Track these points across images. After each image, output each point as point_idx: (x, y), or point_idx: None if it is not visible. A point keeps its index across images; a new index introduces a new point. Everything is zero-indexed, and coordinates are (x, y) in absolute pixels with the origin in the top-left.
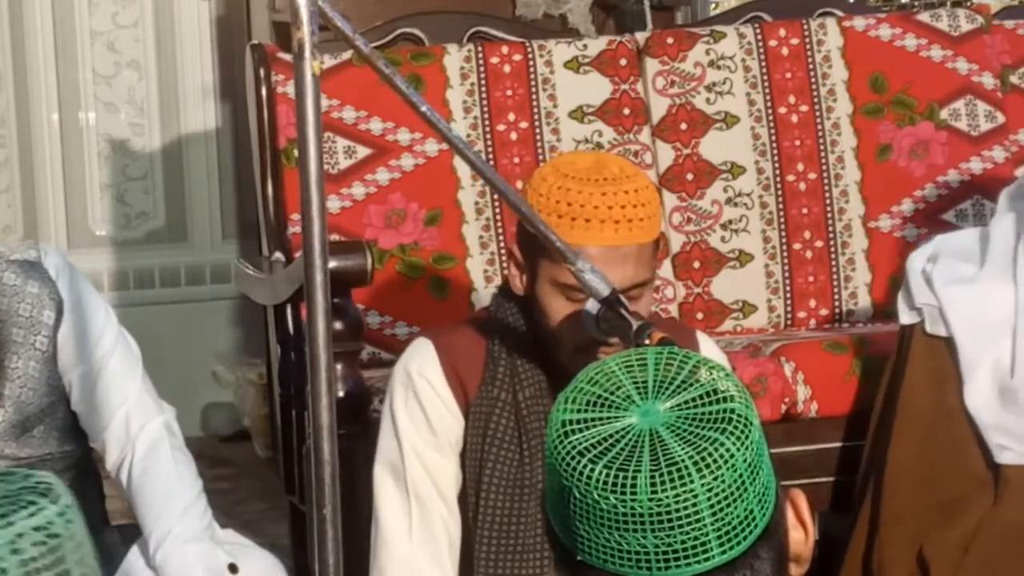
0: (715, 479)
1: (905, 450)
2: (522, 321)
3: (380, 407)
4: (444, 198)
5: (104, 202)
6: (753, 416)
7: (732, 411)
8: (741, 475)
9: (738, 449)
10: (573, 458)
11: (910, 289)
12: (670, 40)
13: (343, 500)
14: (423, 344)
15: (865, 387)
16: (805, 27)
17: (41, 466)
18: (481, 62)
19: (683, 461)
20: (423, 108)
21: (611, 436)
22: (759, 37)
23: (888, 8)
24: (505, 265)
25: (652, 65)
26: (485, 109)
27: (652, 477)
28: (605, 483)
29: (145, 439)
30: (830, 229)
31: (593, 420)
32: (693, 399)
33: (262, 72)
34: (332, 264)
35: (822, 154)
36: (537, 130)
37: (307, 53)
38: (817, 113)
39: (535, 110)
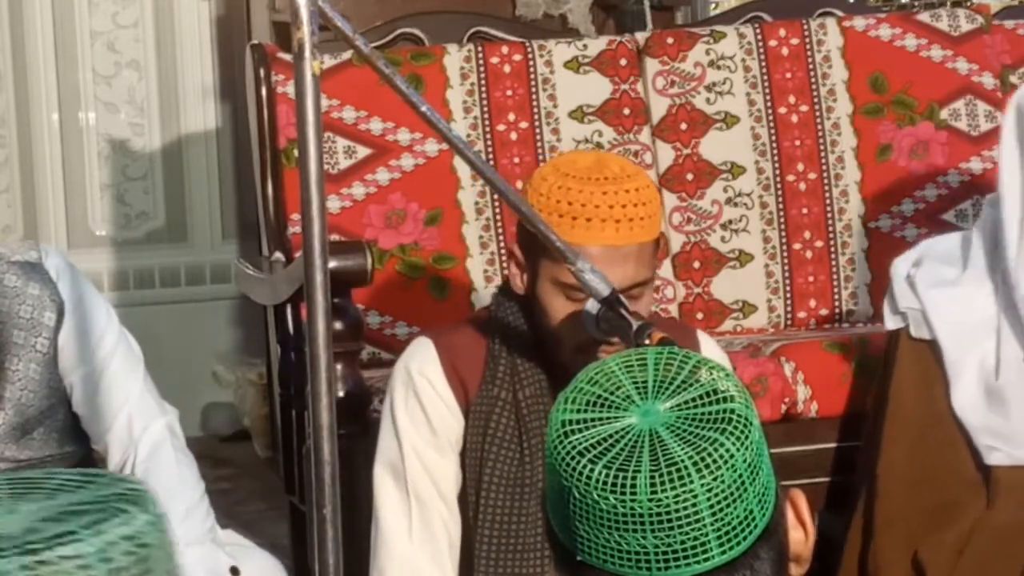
0: (715, 479)
1: (896, 453)
2: (522, 321)
3: (380, 407)
4: (444, 198)
5: (104, 202)
6: (753, 416)
7: (732, 411)
8: (741, 475)
9: (738, 449)
10: (573, 458)
11: (894, 294)
12: (670, 40)
13: (343, 500)
14: (423, 343)
15: (865, 387)
16: (805, 27)
17: (41, 468)
18: (481, 62)
19: (683, 461)
20: (423, 108)
21: (611, 436)
22: (759, 37)
23: (888, 8)
24: (505, 265)
25: (652, 65)
26: (485, 109)
27: (652, 477)
28: (605, 483)
29: (148, 441)
30: (830, 229)
31: (593, 420)
32: (693, 399)
33: (262, 72)
34: (332, 264)
35: (822, 154)
36: (537, 130)
37: (307, 53)
38: (817, 113)
39: (535, 110)
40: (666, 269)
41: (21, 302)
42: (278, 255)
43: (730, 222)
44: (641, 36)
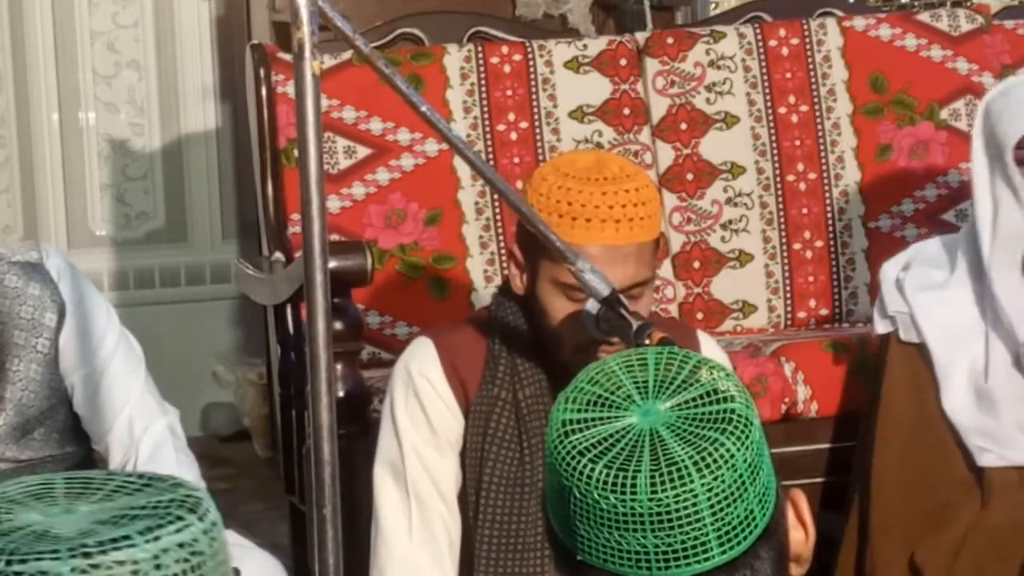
0: (715, 479)
1: (889, 456)
2: (522, 320)
3: (380, 407)
4: (444, 198)
5: (104, 202)
6: (753, 416)
7: (732, 411)
8: (741, 475)
9: (738, 449)
10: (573, 458)
11: (883, 298)
12: (670, 40)
13: (343, 500)
14: (423, 343)
15: (865, 387)
16: (805, 27)
17: (42, 468)
18: (481, 62)
19: (683, 461)
20: (423, 108)
21: (611, 436)
22: (759, 37)
23: (888, 8)
24: (505, 265)
25: (652, 65)
26: (485, 109)
27: (652, 477)
28: (605, 483)
29: (149, 441)
30: (830, 229)
31: (593, 420)
32: (693, 399)
33: (262, 72)
34: (332, 264)
35: (822, 154)
36: (537, 130)
37: (307, 53)
38: (817, 113)
39: (535, 110)
40: (666, 269)
41: (22, 303)
42: (278, 255)
43: (730, 222)
44: (641, 36)
